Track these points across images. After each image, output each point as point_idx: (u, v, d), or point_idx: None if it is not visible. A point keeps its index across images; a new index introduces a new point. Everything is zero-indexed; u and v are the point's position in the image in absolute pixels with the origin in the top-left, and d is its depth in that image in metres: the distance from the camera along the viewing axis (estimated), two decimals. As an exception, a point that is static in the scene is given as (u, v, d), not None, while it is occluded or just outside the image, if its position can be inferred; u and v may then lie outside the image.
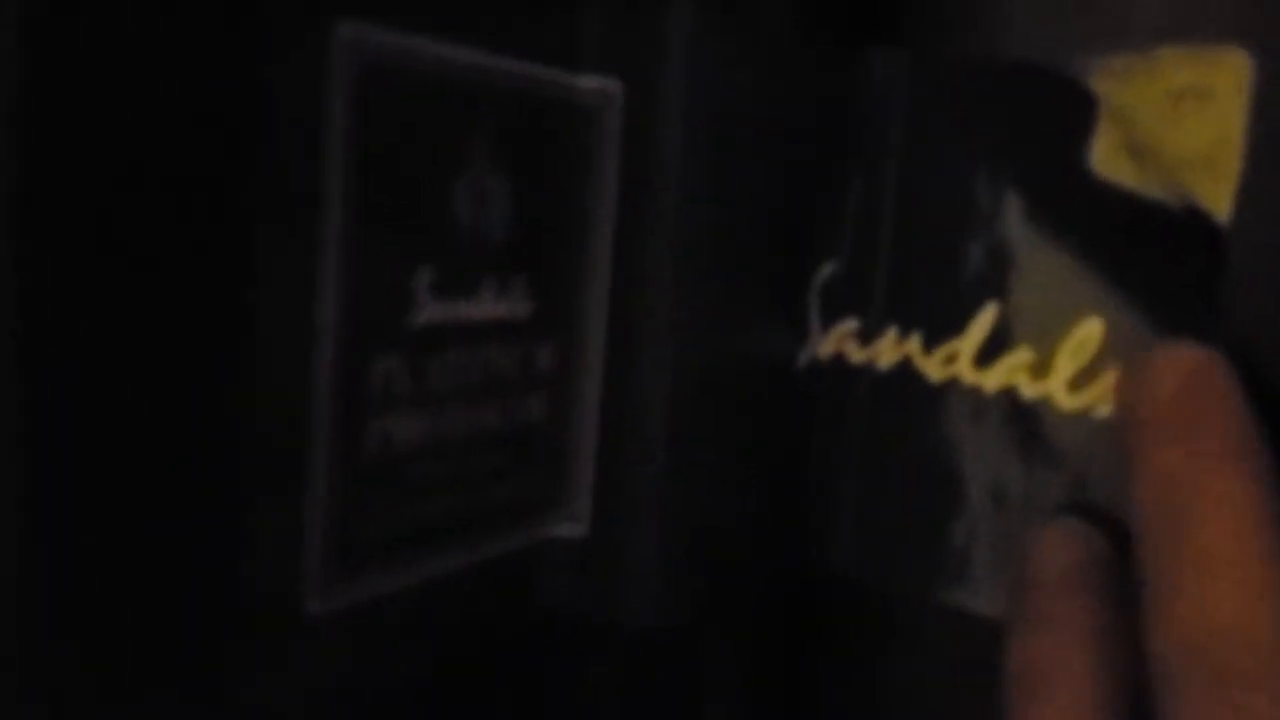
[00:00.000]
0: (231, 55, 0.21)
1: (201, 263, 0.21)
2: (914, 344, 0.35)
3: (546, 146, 0.28)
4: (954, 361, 0.34)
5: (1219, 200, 0.30)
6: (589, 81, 0.29)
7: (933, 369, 0.35)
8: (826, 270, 0.35)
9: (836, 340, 0.36)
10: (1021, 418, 0.33)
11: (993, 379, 0.34)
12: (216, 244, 0.22)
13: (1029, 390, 0.33)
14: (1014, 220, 0.33)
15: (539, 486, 0.30)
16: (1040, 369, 0.33)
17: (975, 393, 0.34)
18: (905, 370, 0.35)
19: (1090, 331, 0.32)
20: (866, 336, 0.36)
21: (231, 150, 0.21)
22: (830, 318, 0.36)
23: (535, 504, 0.30)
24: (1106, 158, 0.32)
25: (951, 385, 0.34)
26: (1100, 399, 0.32)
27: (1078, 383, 0.32)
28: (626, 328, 0.30)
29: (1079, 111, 0.32)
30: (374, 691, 0.26)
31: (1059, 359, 0.33)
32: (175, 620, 0.22)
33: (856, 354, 0.36)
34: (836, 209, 0.35)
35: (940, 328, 0.34)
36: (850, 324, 0.36)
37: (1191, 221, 0.31)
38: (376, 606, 0.25)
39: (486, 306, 0.27)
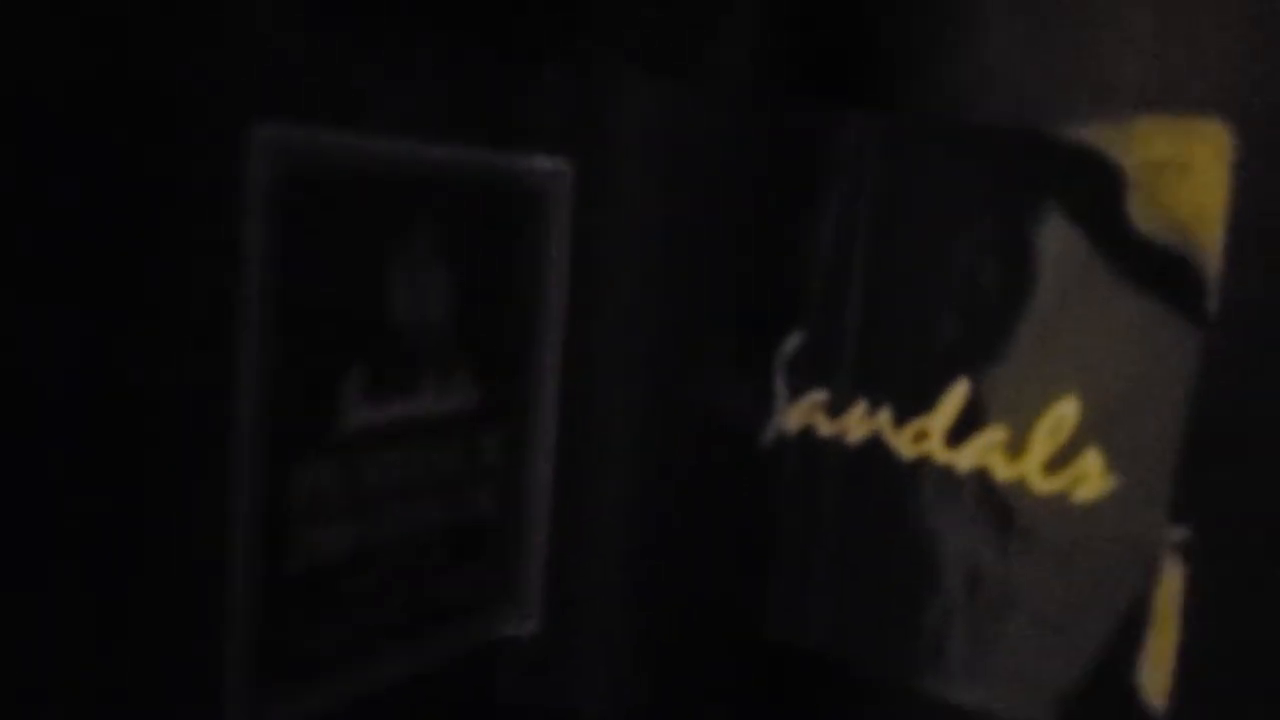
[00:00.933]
0: (143, 153, 0.20)
1: (107, 364, 0.20)
2: (884, 418, 0.33)
3: (492, 231, 0.27)
4: (925, 439, 0.33)
5: (1205, 279, 0.29)
6: (537, 163, 0.27)
7: (903, 445, 0.33)
8: (794, 341, 0.34)
9: (805, 412, 0.34)
10: (995, 499, 0.32)
11: (965, 458, 0.32)
12: (123, 345, 0.20)
13: (1003, 471, 0.32)
14: (988, 291, 0.32)
15: (487, 584, 0.28)
16: (1015, 448, 0.32)
17: (947, 472, 0.33)
18: (875, 446, 0.34)
19: (1066, 411, 0.31)
20: (835, 409, 0.34)
21: (140, 249, 0.20)
22: (798, 389, 0.34)
23: (484, 602, 0.28)
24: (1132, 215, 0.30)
25: (923, 463, 0.33)
26: (1077, 481, 0.31)
27: (1054, 464, 0.31)
28: (578, 413, 0.29)
29: (1059, 176, 0.31)
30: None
31: (1034, 439, 0.31)
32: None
33: (825, 426, 0.34)
34: (804, 276, 0.34)
35: (911, 402, 0.33)
36: (819, 395, 0.34)
37: (1180, 295, 0.29)
38: (307, 725, 0.24)
39: (427, 403, 0.26)
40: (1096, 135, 0.30)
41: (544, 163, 0.27)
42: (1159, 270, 0.29)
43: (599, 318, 0.29)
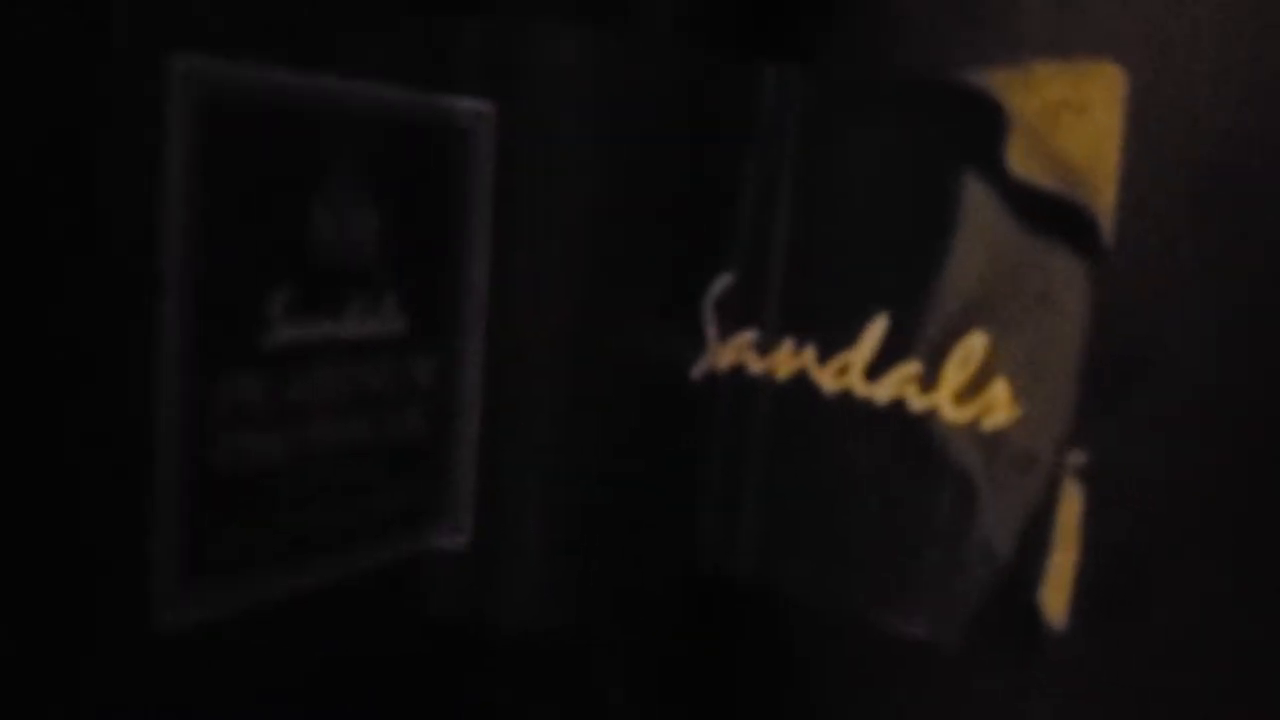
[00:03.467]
0: (64, 83, 0.22)
1: (34, 281, 0.22)
2: (809, 355, 0.35)
3: (416, 167, 0.29)
4: (846, 373, 0.34)
5: (1099, 215, 0.31)
6: (460, 103, 0.29)
7: (827, 380, 0.35)
8: (724, 280, 0.36)
9: (735, 351, 0.36)
10: (911, 430, 0.33)
11: (883, 391, 0.34)
12: (49, 264, 0.22)
13: (917, 402, 0.33)
14: (905, 230, 0.33)
15: (419, 498, 0.30)
16: (928, 381, 0.33)
17: (867, 405, 0.34)
18: (801, 382, 0.35)
19: (975, 344, 0.32)
20: (764, 347, 0.36)
21: (62, 174, 0.22)
22: (728, 328, 0.36)
23: (415, 515, 0.30)
24: (1010, 157, 0.32)
25: (845, 397, 0.34)
26: (986, 410, 0.32)
27: (964, 394, 0.33)
28: (509, 339, 0.31)
29: (974, 119, 0.32)
30: (241, 706, 0.27)
31: (946, 371, 0.33)
32: (12, 638, 0.23)
33: (755, 364, 0.36)
34: (731, 219, 0.35)
35: (834, 339, 0.35)
36: (748, 335, 0.36)
37: (1071, 234, 0.31)
38: (238, 620, 0.26)
39: (354, 325, 0.27)
40: (996, 80, 0.31)
41: (468, 104, 0.29)
42: (1048, 211, 0.31)
43: (526, 254, 0.31)
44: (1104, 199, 0.30)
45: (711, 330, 0.36)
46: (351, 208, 0.27)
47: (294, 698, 0.28)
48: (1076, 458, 0.31)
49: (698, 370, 0.36)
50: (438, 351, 0.30)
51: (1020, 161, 0.31)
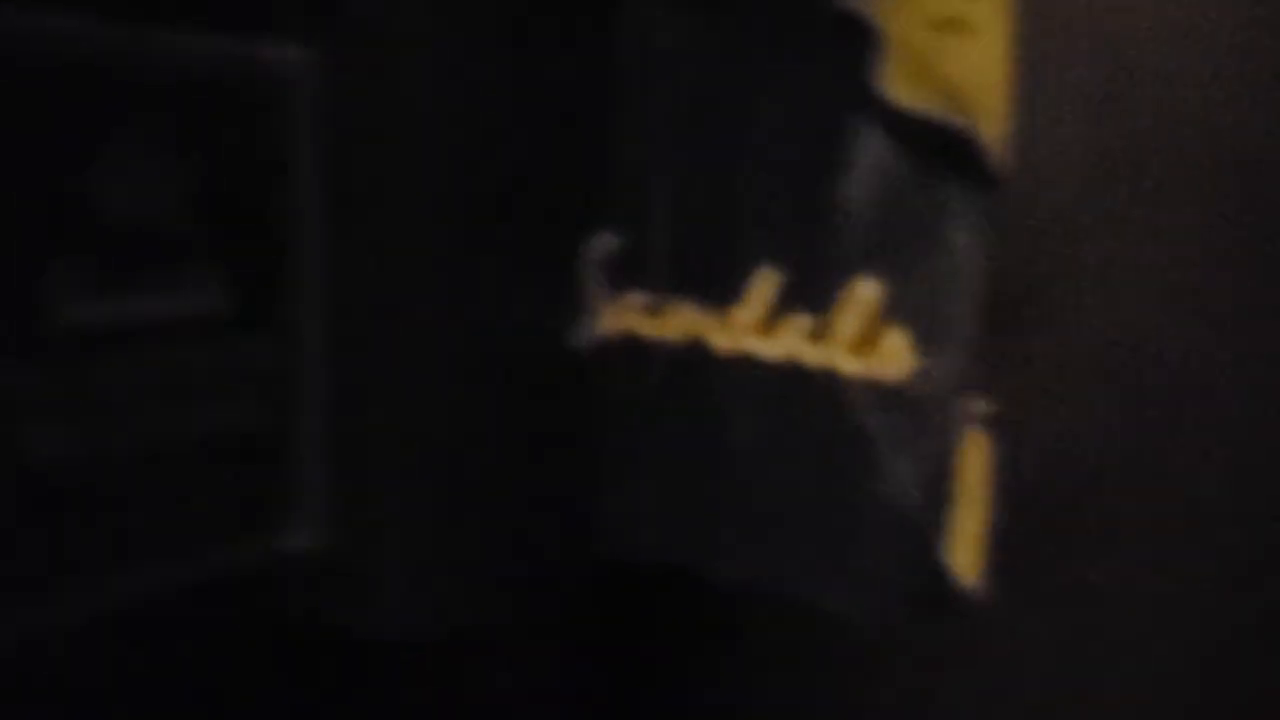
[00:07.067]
0: None
1: None
2: (700, 315, 0.32)
3: (229, 123, 0.26)
4: (738, 331, 0.32)
5: (990, 143, 0.28)
6: (274, 51, 0.26)
7: (720, 340, 0.32)
8: (604, 242, 0.33)
9: (623, 315, 0.33)
10: (807, 387, 0.31)
11: (775, 347, 0.31)
12: None
13: (811, 356, 0.31)
14: (788, 173, 0.31)
15: (258, 495, 0.27)
16: (821, 333, 0.30)
17: (761, 362, 0.31)
18: (695, 344, 0.32)
19: (866, 291, 0.30)
20: (654, 309, 0.33)
21: None
22: (614, 290, 0.33)
23: (255, 514, 0.27)
24: (892, 86, 0.29)
25: (740, 357, 0.32)
26: (883, 361, 0.30)
27: (859, 346, 0.30)
28: (355, 313, 0.28)
29: (857, 42, 0.29)
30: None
31: (839, 322, 0.30)
32: None
33: (646, 328, 0.33)
34: (606, 171, 0.33)
35: (723, 296, 0.32)
36: (637, 297, 0.33)
37: (959, 164, 0.28)
38: (28, 644, 0.23)
39: (158, 302, 0.25)
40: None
41: (282, 51, 0.26)
42: (935, 142, 0.28)
43: (367, 219, 0.28)
44: (994, 126, 0.28)
45: (597, 292, 0.33)
46: (146, 170, 0.24)
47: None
48: (979, 407, 0.29)
49: (586, 337, 0.33)
50: (269, 330, 0.27)
51: (902, 89, 0.28)
